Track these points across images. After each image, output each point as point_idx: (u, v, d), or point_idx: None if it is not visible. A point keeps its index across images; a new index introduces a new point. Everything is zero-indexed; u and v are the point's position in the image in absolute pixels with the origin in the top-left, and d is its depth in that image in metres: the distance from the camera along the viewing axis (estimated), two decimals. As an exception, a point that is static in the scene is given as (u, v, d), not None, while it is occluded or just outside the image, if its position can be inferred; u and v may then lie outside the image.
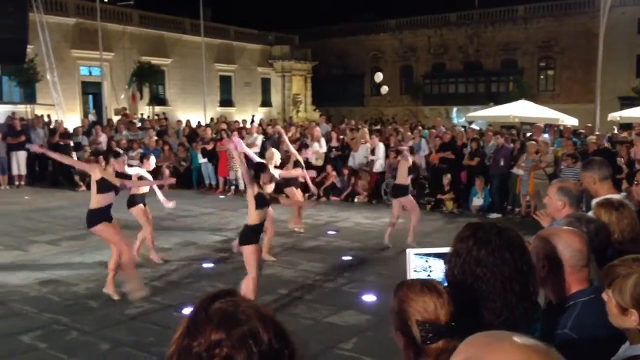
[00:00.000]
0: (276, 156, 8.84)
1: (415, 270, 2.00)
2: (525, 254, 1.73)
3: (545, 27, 33.88)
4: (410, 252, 2.04)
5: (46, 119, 18.76)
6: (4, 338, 5.31)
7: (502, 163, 12.10)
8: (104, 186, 6.31)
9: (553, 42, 33.74)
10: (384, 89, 24.69)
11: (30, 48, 17.08)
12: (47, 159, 14.23)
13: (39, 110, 20.98)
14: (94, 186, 6.37)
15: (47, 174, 16.27)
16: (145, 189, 7.99)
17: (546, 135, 14.29)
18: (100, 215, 6.33)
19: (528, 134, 14.98)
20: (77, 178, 15.17)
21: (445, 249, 1.85)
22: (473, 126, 18.36)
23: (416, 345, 1.53)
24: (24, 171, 15.53)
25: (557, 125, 16.63)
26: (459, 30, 36.91)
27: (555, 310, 2.09)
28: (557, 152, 12.00)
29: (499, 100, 25.56)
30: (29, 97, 23.47)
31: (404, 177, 8.75)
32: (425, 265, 2.01)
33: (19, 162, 15.34)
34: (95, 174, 6.36)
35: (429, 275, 2.00)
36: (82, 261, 7.95)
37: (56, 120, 17.51)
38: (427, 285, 1.58)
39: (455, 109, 34.72)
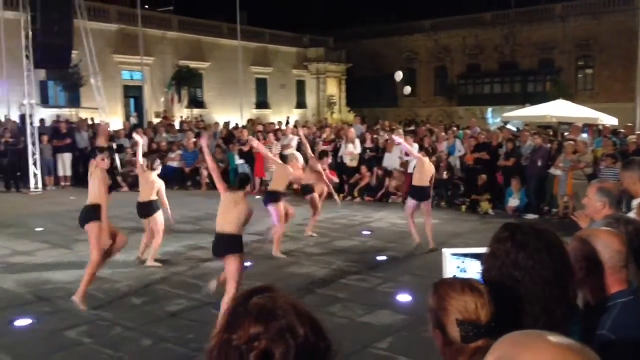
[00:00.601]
0: (300, 158, 8.99)
1: (451, 271, 2.02)
2: (565, 256, 1.70)
3: (584, 26, 33.12)
4: (447, 253, 2.05)
5: (90, 122, 19.35)
6: (51, 334, 5.52)
7: (539, 163, 11.94)
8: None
9: (592, 40, 32.94)
10: (407, 90, 24.50)
11: (75, 54, 17.60)
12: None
13: (84, 114, 21.64)
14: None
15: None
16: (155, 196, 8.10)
17: (585, 135, 14.03)
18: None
19: (566, 134, 14.72)
20: (119, 179, 15.62)
21: (482, 250, 1.83)
22: (509, 127, 18.12)
23: (455, 344, 1.53)
24: (69, 172, 16.06)
25: (596, 125, 16.28)
26: (494, 30, 36.40)
27: (594, 312, 2.06)
28: (597, 153, 11.77)
29: (536, 100, 25.10)
30: (74, 101, 24.25)
31: (421, 180, 8.60)
32: (461, 265, 2.02)
33: (65, 163, 15.87)
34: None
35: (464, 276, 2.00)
36: (124, 259, 8.20)
37: (99, 123, 18.01)
38: (468, 285, 1.57)
39: (490, 110, 34.24)
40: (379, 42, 39.27)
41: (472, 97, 36.71)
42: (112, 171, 15.93)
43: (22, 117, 16.21)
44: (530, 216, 11.37)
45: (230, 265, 5.46)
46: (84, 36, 16.86)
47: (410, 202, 8.73)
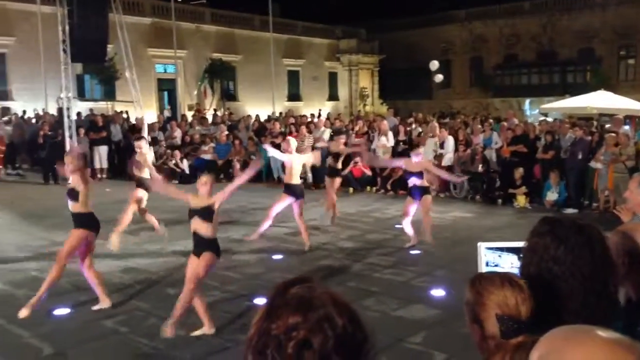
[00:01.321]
0: (292, 144, 8.87)
1: (487, 264, 1.97)
2: (606, 251, 1.66)
3: (625, 14, 32.03)
4: (482, 246, 2.01)
5: (124, 116, 19.69)
6: (89, 322, 5.65)
7: (579, 156, 11.62)
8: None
9: (634, 29, 31.88)
10: (439, 77, 24.16)
11: (110, 47, 17.93)
12: (126, 154, 14.88)
13: (119, 107, 22.04)
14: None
15: (127, 168, 17.05)
16: (147, 173, 8.32)
17: (627, 127, 13.59)
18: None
19: (607, 126, 14.30)
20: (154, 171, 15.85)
21: (519, 244, 1.80)
22: (546, 118, 17.72)
23: (493, 339, 1.51)
24: (105, 165, 16.37)
25: (639, 116, 15.77)
26: (532, 19, 35.54)
27: (636, 307, 2.03)
28: (639, 145, 11.40)
29: (575, 91, 24.47)
30: (109, 94, 24.72)
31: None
32: (497, 259, 1.97)
33: (101, 156, 16.18)
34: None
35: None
36: (159, 251, 8.33)
37: (135, 118, 18.32)
38: (507, 279, 1.54)
39: (527, 101, 33.53)
40: (413, 32, 38.81)
41: (509, 88, 35.96)
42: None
43: (60, 111, 16.56)
44: (569, 210, 11.09)
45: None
46: (118, 30, 17.12)
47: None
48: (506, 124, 14.84)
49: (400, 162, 9.06)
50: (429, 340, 5.14)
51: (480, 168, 12.82)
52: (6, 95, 23.45)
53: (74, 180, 6.01)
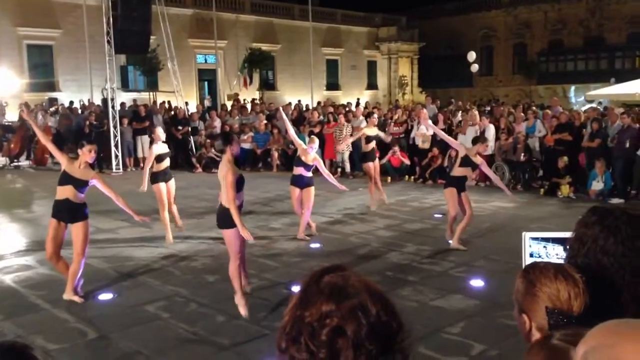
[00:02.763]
0: (315, 145, 8.77)
1: (531, 255, 1.91)
2: None
3: (679, -4, 30.70)
4: (527, 236, 1.96)
5: (166, 106, 20.05)
6: (132, 307, 5.79)
7: (627, 145, 11.22)
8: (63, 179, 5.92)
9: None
10: (474, 67, 23.70)
11: (152, 39, 18.25)
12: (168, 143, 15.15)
13: (161, 97, 22.45)
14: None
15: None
16: (165, 164, 8.17)
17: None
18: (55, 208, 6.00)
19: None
20: (194, 160, 16.12)
21: (566, 234, 1.72)
22: (593, 105, 17.16)
23: (541, 331, 1.47)
24: (147, 154, 16.69)
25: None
26: (579, 3, 34.39)
27: None
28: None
29: (624, 77, 23.59)
30: (152, 85, 25.19)
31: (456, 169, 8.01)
32: (542, 250, 1.92)
33: (144, 145, 16.49)
34: (63, 163, 5.98)
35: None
36: (199, 238, 8.47)
37: (176, 108, 18.62)
38: (562, 272, 1.49)
39: (572, 88, 32.55)
40: (454, 19, 38.10)
41: (553, 74, 34.98)
42: (188, 153, 16.52)
43: (104, 101, 16.97)
44: (615, 200, 10.73)
45: (226, 238, 5.53)
46: (161, 21, 17.39)
47: None
48: (550, 112, 14.45)
49: (457, 144, 8.70)
50: (468, 331, 5.07)
51: (522, 157, 12.53)
52: (53, 87, 24.19)
53: (86, 172, 5.93)
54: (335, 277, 1.09)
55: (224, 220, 5.36)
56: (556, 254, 1.89)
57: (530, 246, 1.94)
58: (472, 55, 23.21)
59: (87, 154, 5.92)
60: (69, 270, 5.94)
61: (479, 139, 8.19)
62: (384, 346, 1.03)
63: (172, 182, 8.35)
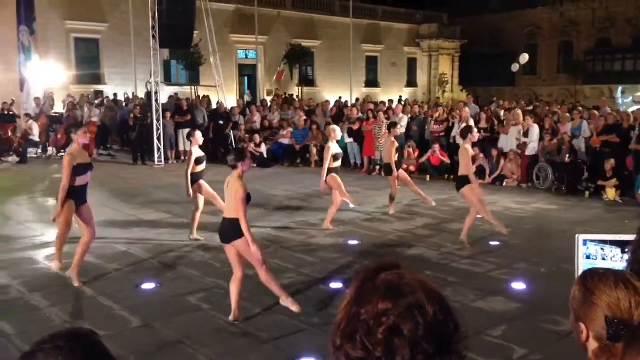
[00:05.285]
0: (337, 132, 8.83)
1: (588, 257, 1.86)
2: None
3: None
4: (580, 238, 1.90)
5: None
6: (174, 298, 5.91)
7: (677, 148, 10.83)
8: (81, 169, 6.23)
9: None
10: (515, 67, 23.20)
11: (195, 34, 18.50)
12: (208, 137, 15.34)
13: (202, 91, 22.75)
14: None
15: (209, 150, 17.61)
16: (203, 167, 8.27)
17: None
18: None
19: None
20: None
21: (625, 237, 1.69)
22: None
23: (599, 341, 1.43)
24: (189, 147, 16.94)
25: None
26: (628, 1, 33.31)
27: None
28: None
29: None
30: (194, 79, 25.55)
31: (464, 167, 8.00)
32: (600, 252, 1.86)
33: (185, 139, 16.77)
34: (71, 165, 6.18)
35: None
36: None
37: (217, 102, 18.84)
38: (622, 280, 1.44)
39: (620, 88, 31.57)
40: (498, 17, 37.39)
41: (600, 74, 33.99)
42: (227, 146, 16.69)
43: (148, 94, 17.28)
44: (664, 205, 10.37)
45: (240, 249, 5.21)
46: (204, 16, 17.61)
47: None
48: (597, 113, 14.05)
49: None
50: (509, 335, 4.99)
51: (567, 158, 12.23)
52: (99, 79, 24.79)
53: (85, 154, 6.50)
54: (390, 274, 1.08)
55: (234, 231, 5.14)
56: (614, 257, 1.84)
57: (588, 248, 1.89)
58: (524, 57, 22.63)
59: (82, 135, 6.26)
60: (82, 249, 6.31)
61: (470, 129, 8.26)
62: (441, 346, 1.02)
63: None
